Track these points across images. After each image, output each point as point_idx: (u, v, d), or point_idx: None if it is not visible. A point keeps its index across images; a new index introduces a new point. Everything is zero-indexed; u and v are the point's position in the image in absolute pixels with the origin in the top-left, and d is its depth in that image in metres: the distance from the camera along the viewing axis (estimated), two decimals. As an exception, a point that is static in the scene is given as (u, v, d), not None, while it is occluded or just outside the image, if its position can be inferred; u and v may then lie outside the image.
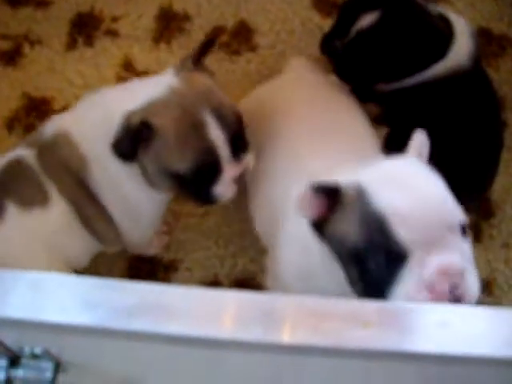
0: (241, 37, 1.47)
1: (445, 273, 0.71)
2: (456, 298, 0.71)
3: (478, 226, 1.25)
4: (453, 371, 0.65)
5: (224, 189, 0.96)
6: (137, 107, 0.91)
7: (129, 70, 1.43)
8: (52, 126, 1.01)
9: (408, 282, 0.72)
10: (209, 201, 0.98)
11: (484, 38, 1.42)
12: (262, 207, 1.03)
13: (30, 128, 1.35)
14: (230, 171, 0.95)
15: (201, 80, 0.96)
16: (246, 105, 1.15)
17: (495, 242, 1.24)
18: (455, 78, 1.11)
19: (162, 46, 1.47)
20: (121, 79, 1.40)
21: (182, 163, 0.92)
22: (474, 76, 1.14)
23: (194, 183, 0.94)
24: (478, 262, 1.20)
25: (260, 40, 1.47)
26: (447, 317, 0.58)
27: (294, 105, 1.06)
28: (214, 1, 1.51)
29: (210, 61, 1.44)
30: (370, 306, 0.60)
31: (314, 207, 0.78)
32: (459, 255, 0.72)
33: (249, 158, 0.98)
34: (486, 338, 0.57)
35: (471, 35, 1.14)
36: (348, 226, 0.77)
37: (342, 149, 0.96)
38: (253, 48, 1.46)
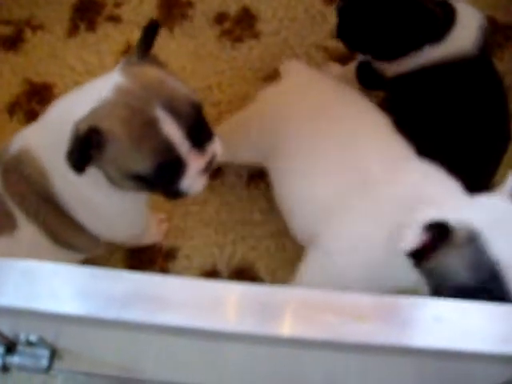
0: (243, 24, 1.46)
1: None
2: None
3: (479, 218, 1.24)
4: (448, 366, 0.65)
5: (192, 182, 0.92)
6: (85, 114, 0.86)
7: (130, 56, 1.42)
8: (16, 143, 0.97)
9: None
10: (179, 195, 0.94)
11: (489, 27, 1.40)
12: (302, 207, 1.03)
13: (31, 113, 1.35)
14: (194, 164, 0.90)
15: (149, 73, 0.90)
16: (257, 107, 1.16)
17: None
18: (458, 66, 1.11)
19: (164, 32, 1.46)
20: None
21: (141, 164, 0.87)
22: (479, 66, 1.13)
23: (159, 181, 0.90)
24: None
25: (263, 27, 1.46)
26: (443, 311, 0.58)
27: (320, 107, 1.06)
28: (217, -13, 1.50)
29: (213, 48, 1.44)
30: (367, 300, 0.59)
31: (421, 242, 0.79)
32: None
33: (214, 147, 0.93)
34: (481, 333, 0.57)
35: (480, 26, 1.13)
36: (457, 265, 0.78)
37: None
38: (255, 35, 1.45)
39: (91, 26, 1.47)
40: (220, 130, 1.10)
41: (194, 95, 0.92)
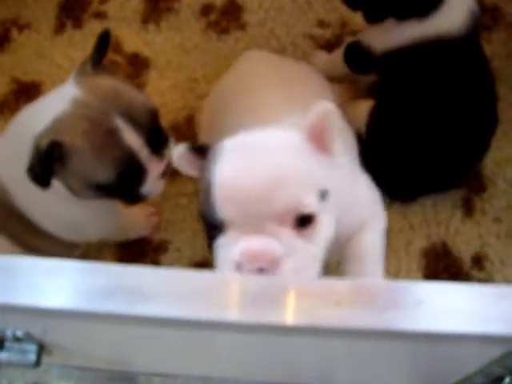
0: (229, 15, 1.46)
1: (252, 257, 0.69)
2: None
3: (469, 201, 1.24)
4: (429, 348, 0.65)
5: (151, 186, 0.95)
6: (45, 128, 0.87)
7: (117, 52, 1.42)
8: None
9: (221, 253, 0.74)
10: (138, 199, 0.97)
11: (479, 11, 1.39)
12: None
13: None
14: (154, 169, 0.94)
15: (104, 84, 0.91)
16: (212, 101, 1.16)
17: (487, 217, 1.23)
18: (446, 46, 1.10)
19: (151, 26, 1.46)
20: (110, 62, 1.39)
21: (104, 174, 0.89)
22: (467, 47, 1.13)
23: (121, 188, 0.92)
24: (470, 236, 1.22)
25: (249, 18, 1.45)
26: (423, 294, 0.58)
27: (261, 82, 1.05)
28: (203, -21, 1.49)
29: (199, 40, 1.44)
30: (345, 284, 0.59)
31: (193, 165, 0.79)
32: (277, 244, 0.70)
33: (170, 151, 0.95)
34: (462, 314, 0.57)
35: (471, 9, 1.12)
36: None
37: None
38: (242, 26, 1.44)
39: (77, 24, 1.47)
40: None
41: (149, 101, 0.94)
